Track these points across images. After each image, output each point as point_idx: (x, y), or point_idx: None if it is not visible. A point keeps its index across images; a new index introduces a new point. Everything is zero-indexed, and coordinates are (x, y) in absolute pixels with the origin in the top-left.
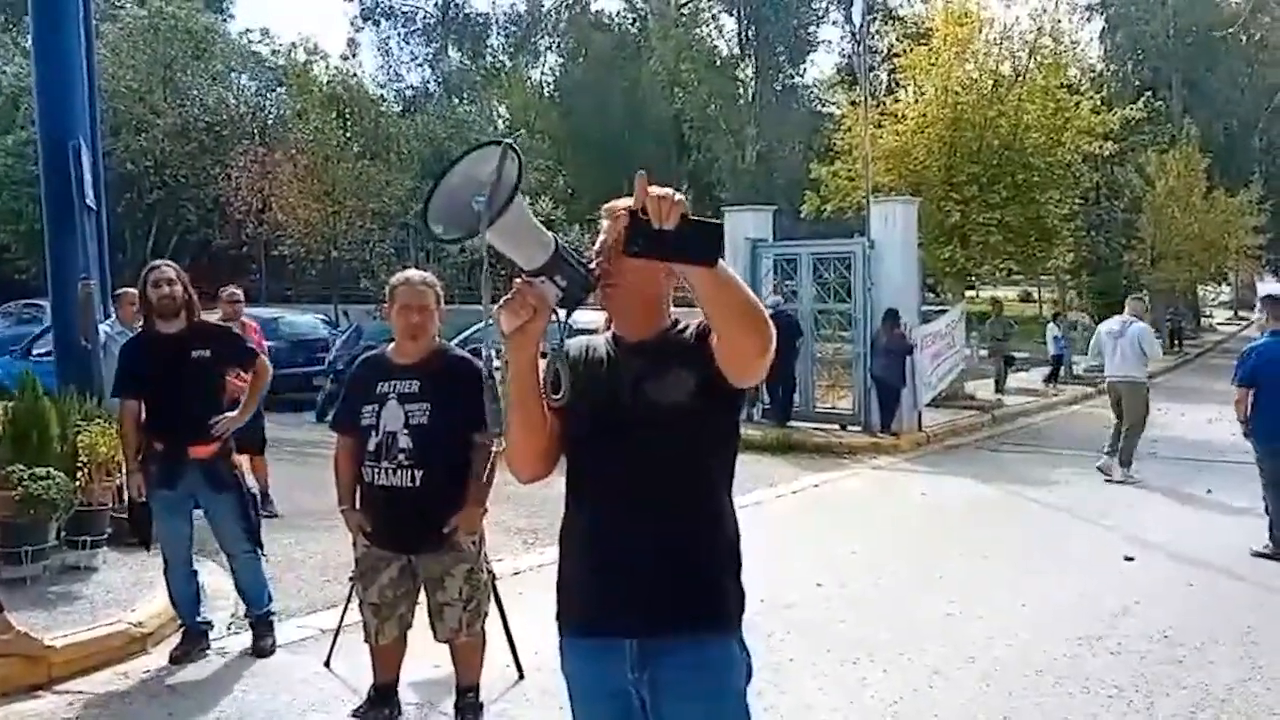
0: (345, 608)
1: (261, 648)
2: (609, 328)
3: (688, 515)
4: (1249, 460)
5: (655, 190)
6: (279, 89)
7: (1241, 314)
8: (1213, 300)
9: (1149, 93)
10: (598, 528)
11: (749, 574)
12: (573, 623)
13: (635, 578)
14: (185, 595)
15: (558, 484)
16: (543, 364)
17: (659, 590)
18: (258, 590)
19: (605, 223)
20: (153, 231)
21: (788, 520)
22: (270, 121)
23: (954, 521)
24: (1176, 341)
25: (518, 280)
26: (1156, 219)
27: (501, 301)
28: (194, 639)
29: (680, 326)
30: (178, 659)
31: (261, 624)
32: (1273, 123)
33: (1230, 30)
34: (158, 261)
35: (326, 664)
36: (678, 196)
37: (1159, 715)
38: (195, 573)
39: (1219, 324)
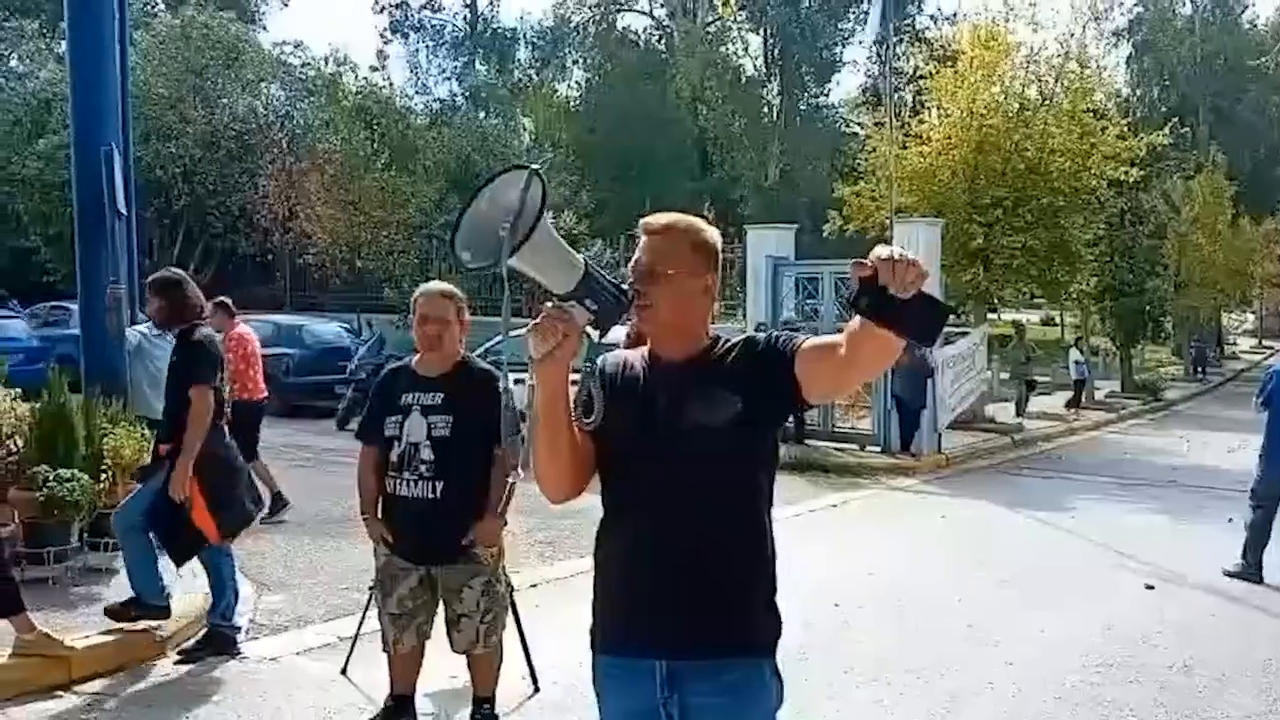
0: (363, 616)
1: (137, 616)
2: (640, 343)
3: (726, 538)
4: None
5: (899, 253)
6: (308, 99)
7: (1266, 342)
8: (1236, 328)
9: (1175, 119)
10: (633, 547)
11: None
12: (604, 640)
13: (666, 599)
14: (221, 597)
15: (579, 498)
16: (573, 386)
17: (691, 612)
18: (219, 595)
19: (642, 239)
20: (179, 238)
21: (805, 539)
22: (299, 131)
23: (973, 545)
24: (1200, 369)
25: (547, 305)
26: (1181, 245)
27: (530, 326)
28: (222, 639)
29: (722, 344)
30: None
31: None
32: None
33: (1260, 61)
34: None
35: (344, 671)
36: (924, 268)
37: None
38: (227, 580)
39: (1242, 352)
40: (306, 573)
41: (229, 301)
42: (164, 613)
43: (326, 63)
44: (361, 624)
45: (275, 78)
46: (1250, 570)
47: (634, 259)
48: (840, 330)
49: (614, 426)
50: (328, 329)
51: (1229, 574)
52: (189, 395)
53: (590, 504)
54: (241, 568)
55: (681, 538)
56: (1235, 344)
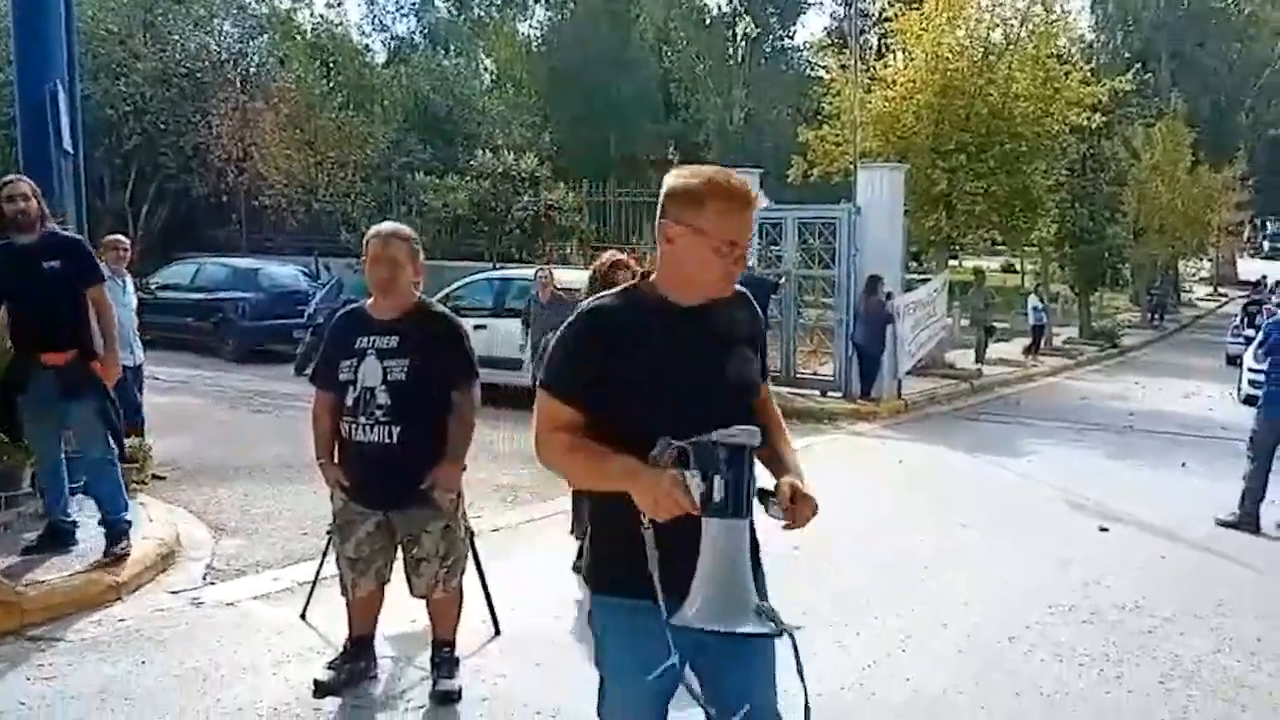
0: (322, 561)
1: (114, 552)
2: (642, 296)
3: None
4: (1224, 435)
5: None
6: (262, 36)
7: (1221, 290)
8: (1193, 276)
9: (1138, 65)
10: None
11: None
12: (631, 586)
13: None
14: (51, 490)
15: None
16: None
17: None
18: (113, 499)
19: (744, 212)
20: (131, 178)
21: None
22: (252, 69)
23: (930, 489)
24: (1158, 316)
25: (673, 473)
26: (1141, 193)
27: (651, 500)
28: (57, 535)
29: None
30: (31, 550)
31: (114, 530)
32: (1260, 100)
33: (1222, 4)
34: (11, 176)
35: (303, 616)
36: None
37: (1129, 684)
38: (62, 472)
39: (1199, 299)
40: (264, 518)
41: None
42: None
43: None
44: (320, 568)
45: (228, 14)
46: (1246, 520)
47: (744, 234)
48: (803, 277)
49: (655, 380)
50: (284, 272)
51: (1223, 523)
52: (85, 297)
53: None
54: (199, 513)
55: None
56: (1191, 291)
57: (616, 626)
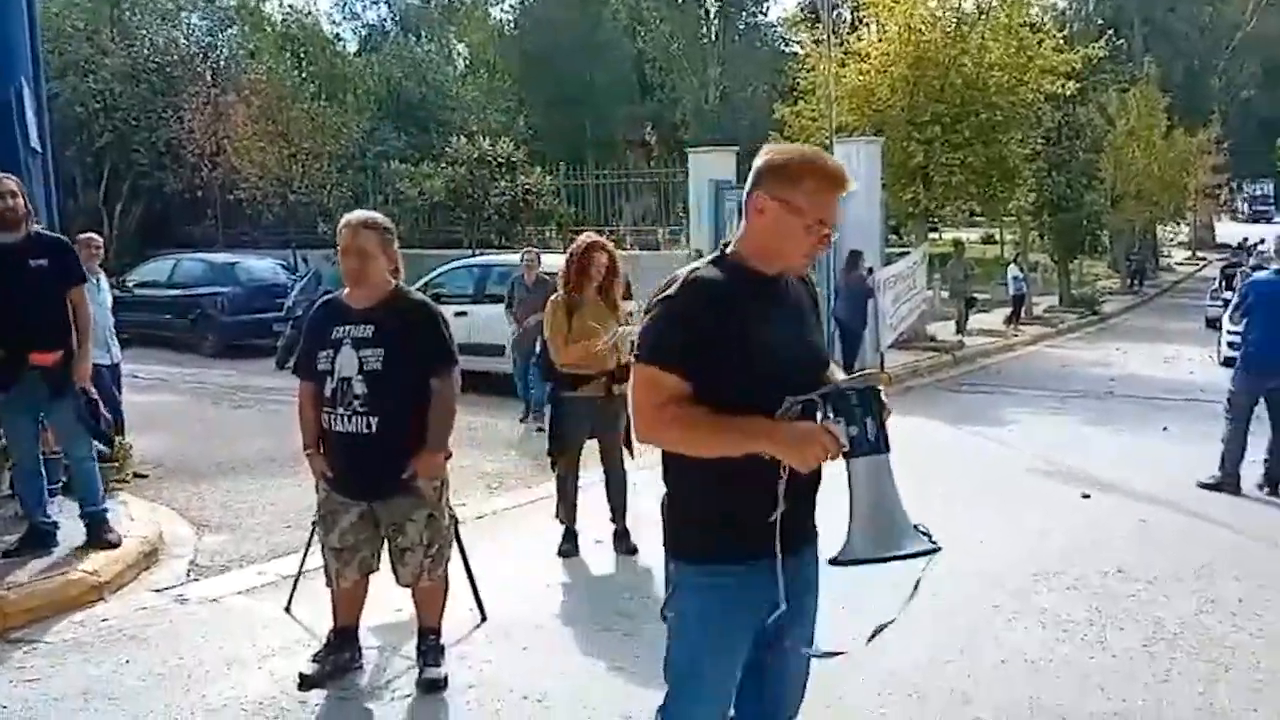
0: (306, 552)
1: (106, 540)
2: (735, 266)
3: None
4: (1204, 399)
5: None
6: (231, 29)
7: (1199, 254)
8: (1171, 240)
9: (1111, 31)
10: (775, 471)
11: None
12: (741, 548)
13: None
14: (30, 492)
15: (521, 429)
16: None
17: (809, 518)
18: (92, 492)
19: (836, 193)
20: (104, 176)
21: None
22: (222, 62)
23: (913, 460)
24: (1137, 281)
25: (826, 422)
26: (1117, 159)
27: (803, 446)
28: (38, 537)
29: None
30: (11, 554)
31: (95, 521)
32: (1232, 63)
33: None
34: None
35: (287, 609)
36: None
37: (1113, 649)
38: (41, 474)
39: (1177, 264)
40: (248, 513)
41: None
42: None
43: None
44: (304, 560)
45: (195, 7)
46: (1228, 481)
47: (833, 214)
48: None
49: (753, 349)
50: (262, 266)
51: (1204, 485)
52: (65, 299)
53: (533, 437)
54: (181, 510)
55: None
56: (1170, 256)
57: (723, 596)
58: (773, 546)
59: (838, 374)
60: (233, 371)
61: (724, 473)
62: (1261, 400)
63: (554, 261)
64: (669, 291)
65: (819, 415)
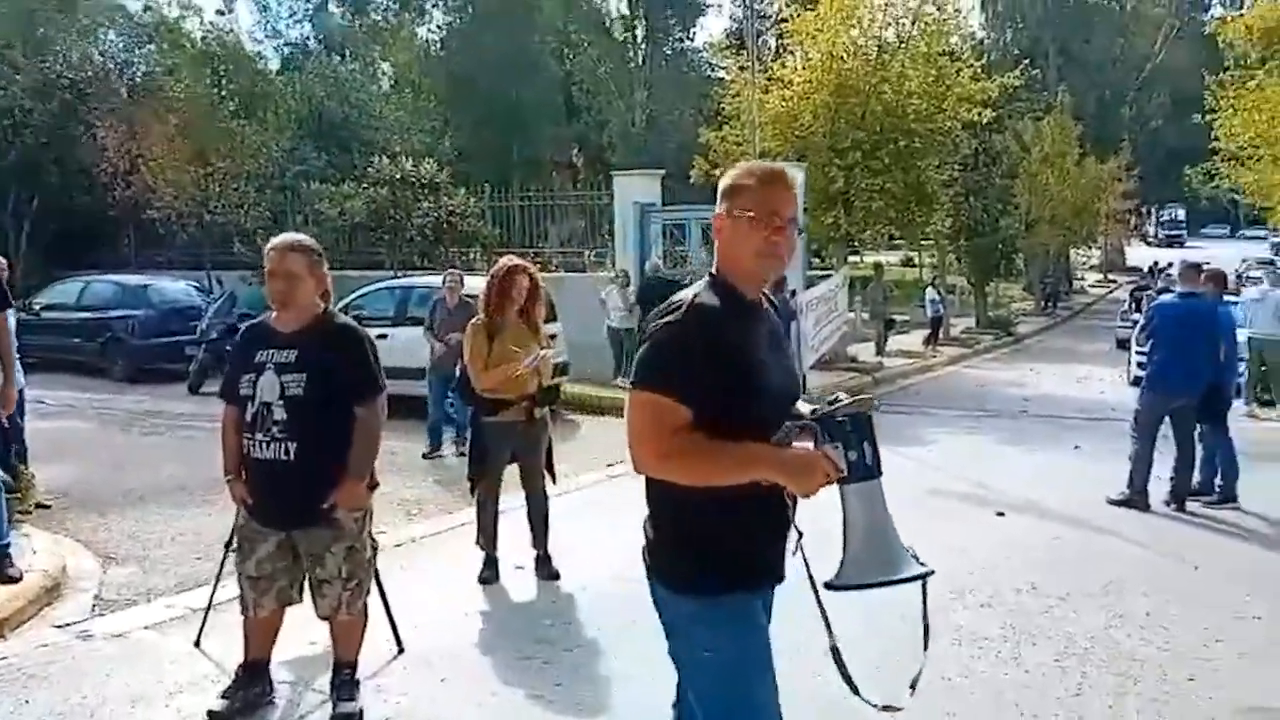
0: (215, 583)
1: (7, 574)
2: (726, 290)
3: None
4: (1114, 417)
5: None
6: (149, 45)
7: (1111, 277)
8: (1084, 264)
9: (1026, 61)
10: (776, 496)
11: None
12: (754, 576)
13: (783, 533)
14: None
15: (442, 459)
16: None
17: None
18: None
19: (779, 190)
20: (11, 195)
21: None
22: (139, 79)
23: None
24: (1051, 303)
25: (826, 448)
26: (1031, 185)
27: (808, 468)
28: None
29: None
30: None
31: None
32: (1142, 94)
33: (1102, 1)
34: None
35: (196, 643)
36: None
37: (1026, 664)
38: None
39: (1090, 286)
40: (156, 544)
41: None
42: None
43: (170, 6)
44: (214, 592)
45: (113, 24)
46: (1137, 498)
47: (782, 207)
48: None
49: (752, 375)
50: (176, 288)
51: (1114, 502)
52: None
53: (453, 463)
54: (87, 542)
55: None
56: (1083, 279)
57: (750, 623)
58: (776, 571)
59: (849, 400)
60: (144, 397)
61: (729, 502)
62: (1167, 419)
63: (478, 284)
64: (672, 317)
65: (815, 440)
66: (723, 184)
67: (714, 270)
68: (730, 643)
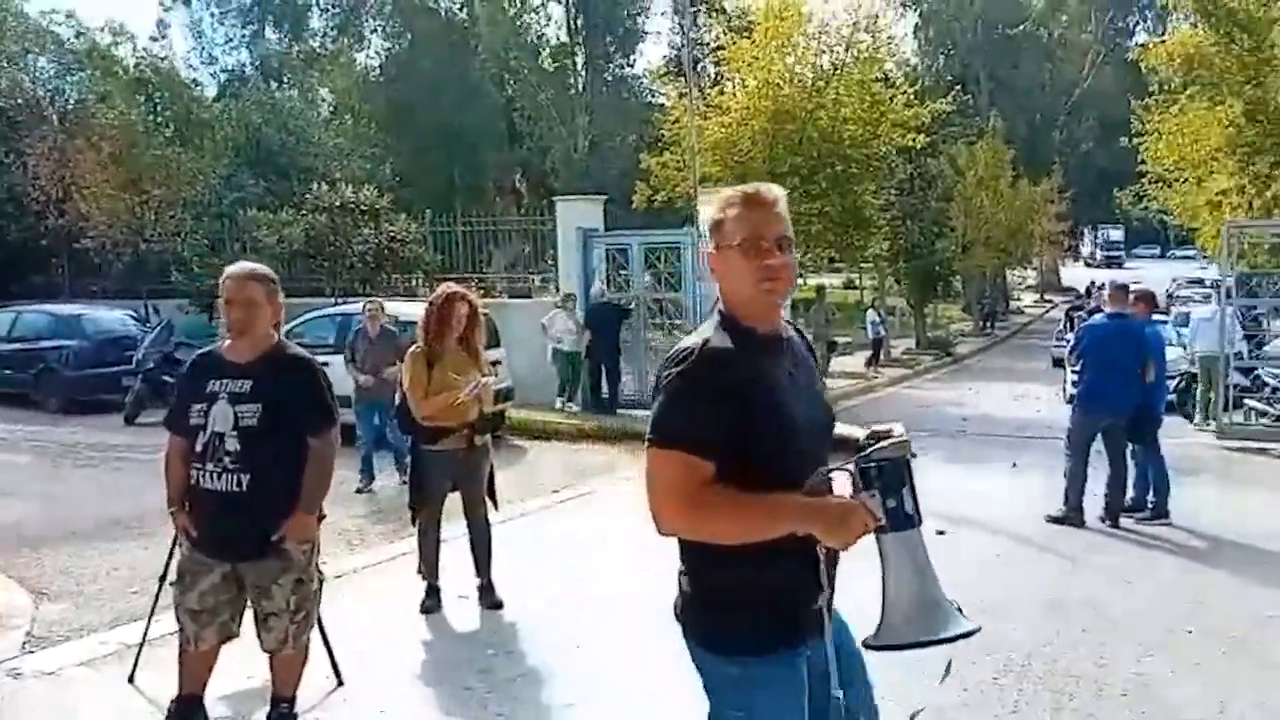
0: (150, 617)
1: None
2: (734, 327)
3: None
4: (1051, 435)
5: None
6: (81, 72)
7: (1047, 297)
8: (1020, 284)
9: (958, 87)
10: (808, 541)
11: (611, 560)
12: (792, 635)
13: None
14: None
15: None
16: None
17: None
18: None
19: (758, 211)
20: None
21: (632, 507)
22: (71, 106)
23: None
24: (989, 324)
25: (863, 496)
26: (966, 208)
27: (842, 520)
28: None
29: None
30: None
31: None
32: (1071, 118)
33: (1031, 28)
34: None
35: (131, 679)
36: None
37: (966, 682)
38: None
39: (1026, 307)
40: (90, 579)
41: None
42: None
43: (102, 32)
44: (149, 627)
45: (43, 50)
46: (1073, 514)
47: (764, 229)
48: (653, 300)
49: (776, 419)
50: (110, 317)
51: (1052, 519)
52: None
53: (393, 492)
54: (18, 578)
55: None
56: (1020, 299)
57: (786, 688)
58: (819, 628)
59: (845, 430)
60: (79, 428)
61: (764, 557)
62: (1100, 436)
63: (418, 310)
64: (682, 366)
65: (852, 487)
66: (709, 221)
67: (721, 309)
68: (763, 708)
